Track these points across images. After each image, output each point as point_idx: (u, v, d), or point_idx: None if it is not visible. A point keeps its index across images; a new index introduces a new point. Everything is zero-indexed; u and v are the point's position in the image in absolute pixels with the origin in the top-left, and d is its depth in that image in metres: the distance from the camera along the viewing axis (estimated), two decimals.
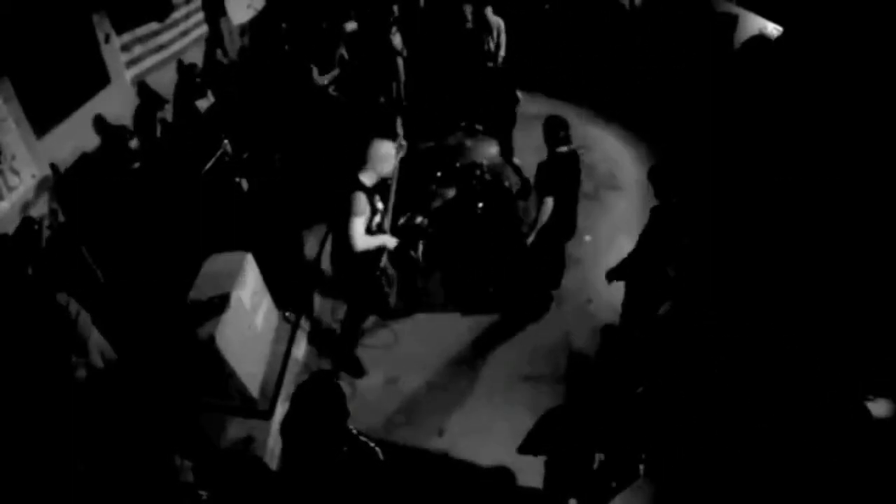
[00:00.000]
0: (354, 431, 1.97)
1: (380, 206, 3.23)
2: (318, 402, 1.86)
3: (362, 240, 3.10)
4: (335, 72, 6.07)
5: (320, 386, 1.91)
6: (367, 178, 3.11)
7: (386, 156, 3.14)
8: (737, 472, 3.16)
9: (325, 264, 4.50)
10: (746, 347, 3.83)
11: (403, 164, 3.58)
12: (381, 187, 3.28)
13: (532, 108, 6.64)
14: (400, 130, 3.60)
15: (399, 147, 3.39)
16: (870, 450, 3.03)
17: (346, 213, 3.02)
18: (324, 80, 5.95)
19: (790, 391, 3.51)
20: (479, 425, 3.56)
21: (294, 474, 2.01)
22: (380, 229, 3.28)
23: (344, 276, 3.46)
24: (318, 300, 4.56)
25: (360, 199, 3.03)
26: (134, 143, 4.21)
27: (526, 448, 2.62)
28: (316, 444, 1.86)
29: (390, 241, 3.33)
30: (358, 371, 3.92)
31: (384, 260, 3.40)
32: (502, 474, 3.26)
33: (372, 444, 1.99)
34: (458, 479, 3.29)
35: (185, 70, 5.33)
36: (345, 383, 3.79)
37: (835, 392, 3.37)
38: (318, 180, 5.12)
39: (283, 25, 6.33)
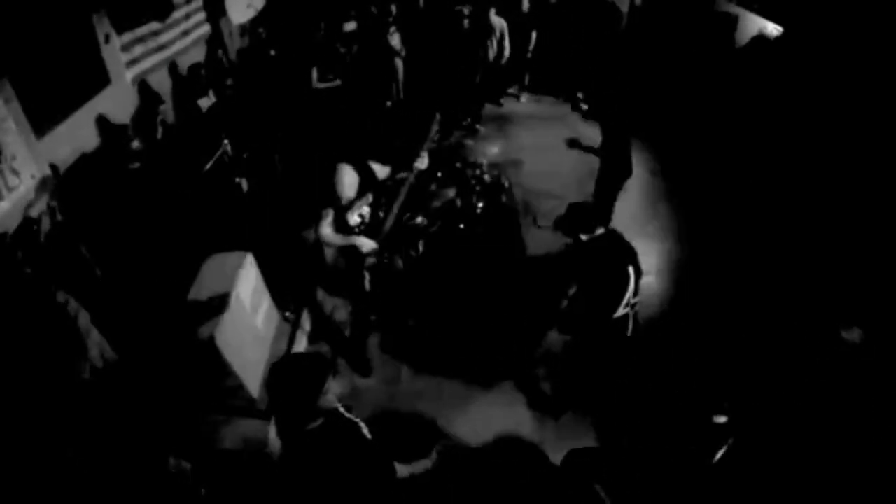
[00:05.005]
0: (340, 409, 1.92)
1: (364, 210, 3.23)
2: (296, 371, 1.82)
3: (328, 234, 3.17)
4: (336, 82, 6.08)
5: (301, 358, 1.90)
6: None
7: (349, 184, 3.06)
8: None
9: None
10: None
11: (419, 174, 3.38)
12: (391, 188, 3.27)
13: (539, 108, 6.75)
14: (435, 134, 3.42)
15: (420, 159, 3.24)
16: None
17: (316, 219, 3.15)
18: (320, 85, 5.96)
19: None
20: (479, 423, 3.56)
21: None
22: (363, 231, 3.24)
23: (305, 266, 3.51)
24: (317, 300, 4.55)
25: (328, 212, 3.13)
26: (135, 144, 4.21)
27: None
28: (290, 411, 1.82)
29: (366, 245, 3.22)
30: (366, 370, 3.93)
31: (368, 261, 3.36)
32: (501, 469, 3.28)
33: (356, 420, 1.95)
34: (457, 476, 3.27)
35: (189, 70, 5.33)
36: (344, 381, 3.85)
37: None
38: (318, 180, 5.12)
39: (282, 25, 6.34)
